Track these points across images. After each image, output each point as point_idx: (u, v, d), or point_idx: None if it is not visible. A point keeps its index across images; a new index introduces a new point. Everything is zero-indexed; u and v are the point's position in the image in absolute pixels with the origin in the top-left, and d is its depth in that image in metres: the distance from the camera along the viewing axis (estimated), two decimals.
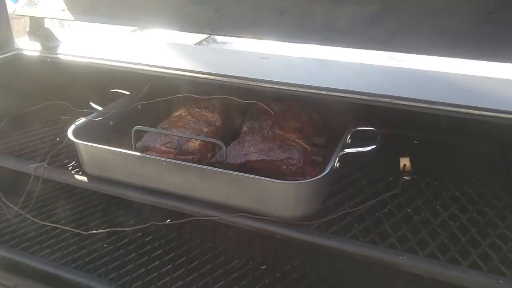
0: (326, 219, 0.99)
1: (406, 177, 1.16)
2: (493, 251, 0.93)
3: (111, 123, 1.21)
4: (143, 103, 1.25)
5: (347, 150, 1.05)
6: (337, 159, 1.02)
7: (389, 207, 1.06)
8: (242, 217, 0.98)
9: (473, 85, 1.15)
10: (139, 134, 1.07)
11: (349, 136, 1.11)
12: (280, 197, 0.95)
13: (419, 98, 1.02)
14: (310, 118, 1.19)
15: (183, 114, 1.20)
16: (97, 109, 1.20)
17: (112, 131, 1.21)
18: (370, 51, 1.01)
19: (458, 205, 1.07)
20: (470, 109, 0.98)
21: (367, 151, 1.04)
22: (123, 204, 1.34)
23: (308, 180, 0.94)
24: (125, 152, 1.03)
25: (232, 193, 0.98)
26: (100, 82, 1.29)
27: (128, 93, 1.30)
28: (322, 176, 0.94)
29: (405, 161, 1.18)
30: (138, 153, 1.03)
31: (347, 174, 1.15)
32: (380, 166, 1.18)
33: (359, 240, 0.95)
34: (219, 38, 4.08)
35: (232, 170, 0.96)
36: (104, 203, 1.41)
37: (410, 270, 0.91)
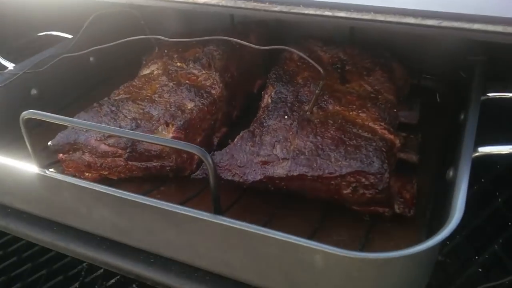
0: None
1: None
2: None
3: (34, 92, 0.69)
4: (83, 52, 0.68)
5: (483, 149, 0.49)
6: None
7: None
8: None
9: None
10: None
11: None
12: (345, 279, 0.41)
13: None
14: (390, 74, 0.63)
15: (156, 73, 0.67)
16: (6, 67, 0.68)
17: (36, 106, 0.69)
18: None
19: None
20: None
21: None
22: None
23: (420, 247, 0.38)
24: (19, 165, 0.51)
25: (235, 260, 0.46)
26: (21, 21, 0.86)
27: (70, 36, 0.77)
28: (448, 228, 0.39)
29: None
30: (37, 168, 0.50)
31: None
32: None
33: None
34: None
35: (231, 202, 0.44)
36: None
37: None
